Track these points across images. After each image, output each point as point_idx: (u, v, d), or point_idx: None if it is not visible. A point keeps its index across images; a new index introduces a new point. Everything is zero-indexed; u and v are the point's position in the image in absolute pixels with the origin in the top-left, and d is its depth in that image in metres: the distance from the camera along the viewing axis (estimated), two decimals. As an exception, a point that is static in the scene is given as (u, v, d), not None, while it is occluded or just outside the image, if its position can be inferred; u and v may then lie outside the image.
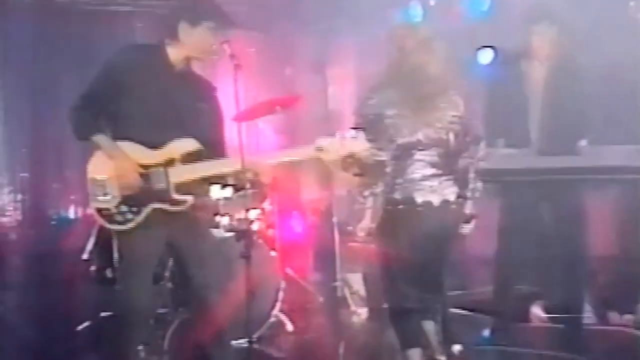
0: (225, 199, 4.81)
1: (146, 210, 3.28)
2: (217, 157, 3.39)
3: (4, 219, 6.57)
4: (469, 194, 3.58)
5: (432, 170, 3.51)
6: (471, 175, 3.58)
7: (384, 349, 4.55)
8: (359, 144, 3.20)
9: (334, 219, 5.77)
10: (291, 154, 3.45)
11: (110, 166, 3.25)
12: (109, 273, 4.47)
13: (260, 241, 4.84)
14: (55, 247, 5.96)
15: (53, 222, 6.46)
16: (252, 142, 7.05)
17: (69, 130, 3.34)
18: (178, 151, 3.32)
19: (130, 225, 3.28)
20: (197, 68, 3.52)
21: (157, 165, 3.29)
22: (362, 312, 5.28)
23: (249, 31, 6.44)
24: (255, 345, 4.38)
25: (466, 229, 3.65)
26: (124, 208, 3.27)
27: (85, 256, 4.69)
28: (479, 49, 5.42)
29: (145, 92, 3.29)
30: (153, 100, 3.30)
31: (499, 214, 4.43)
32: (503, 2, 5.81)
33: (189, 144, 3.35)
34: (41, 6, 6.54)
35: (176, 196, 3.31)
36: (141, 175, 3.27)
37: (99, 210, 3.29)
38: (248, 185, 4.78)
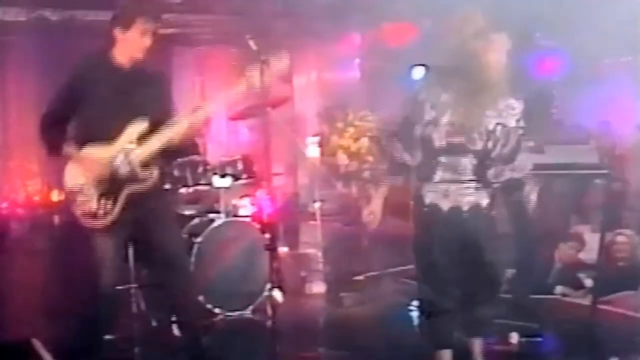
0: (225, 188, 5.39)
1: (122, 197, 3.73)
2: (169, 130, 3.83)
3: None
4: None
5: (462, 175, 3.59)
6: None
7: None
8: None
9: (317, 204, 6.48)
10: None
11: (82, 171, 3.73)
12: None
13: (254, 224, 5.44)
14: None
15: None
16: (233, 138, 8.48)
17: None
18: (132, 134, 3.77)
19: (110, 217, 3.70)
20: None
21: (118, 153, 3.74)
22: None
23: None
24: (252, 316, 5.09)
25: None
26: (102, 201, 3.71)
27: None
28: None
29: (99, 94, 3.75)
30: (107, 99, 3.75)
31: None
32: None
33: (140, 125, 3.79)
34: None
35: (142, 173, 3.77)
36: (107, 165, 3.71)
37: (82, 211, 3.72)
38: (244, 175, 5.48)
